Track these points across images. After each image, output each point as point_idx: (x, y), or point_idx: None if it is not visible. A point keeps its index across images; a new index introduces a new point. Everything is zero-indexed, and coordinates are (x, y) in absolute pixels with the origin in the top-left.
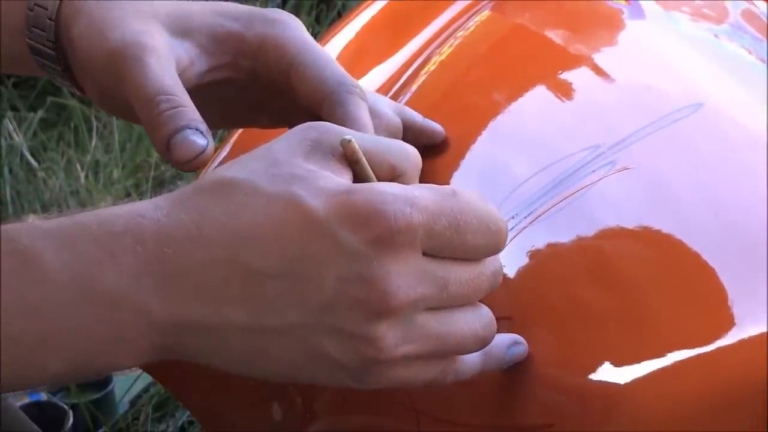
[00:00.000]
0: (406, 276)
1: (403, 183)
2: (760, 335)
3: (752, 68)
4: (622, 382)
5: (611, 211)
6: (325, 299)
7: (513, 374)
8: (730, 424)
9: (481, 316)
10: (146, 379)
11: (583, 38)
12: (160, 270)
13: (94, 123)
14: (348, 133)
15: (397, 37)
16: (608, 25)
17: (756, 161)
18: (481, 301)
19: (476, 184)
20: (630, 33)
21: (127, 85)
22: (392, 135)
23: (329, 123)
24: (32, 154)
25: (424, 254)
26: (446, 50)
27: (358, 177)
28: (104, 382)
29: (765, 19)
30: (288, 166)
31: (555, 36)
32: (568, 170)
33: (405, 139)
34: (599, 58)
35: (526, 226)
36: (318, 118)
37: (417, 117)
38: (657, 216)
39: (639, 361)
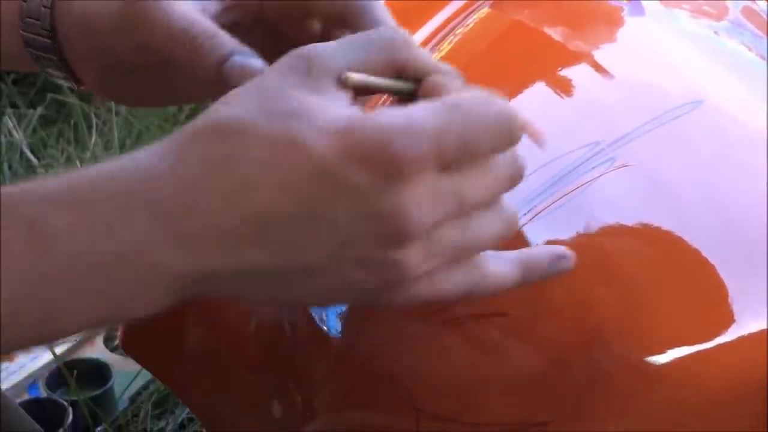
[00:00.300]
0: (420, 202)
1: (409, 70)
2: (760, 332)
3: (752, 65)
4: (620, 380)
5: (611, 208)
6: (343, 237)
7: (510, 372)
8: (729, 421)
9: (502, 215)
10: (146, 375)
11: (582, 35)
12: (171, 224)
13: (94, 120)
14: (338, 59)
15: None
16: (608, 22)
17: (756, 158)
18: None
19: None
20: (630, 30)
21: (150, 28)
22: None
23: (317, 46)
24: (32, 151)
25: (438, 170)
26: (445, 47)
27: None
28: (104, 378)
29: (765, 16)
30: (283, 99)
31: (554, 33)
32: (568, 167)
33: None
34: (599, 55)
35: (526, 223)
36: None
37: None
38: (656, 213)
39: (638, 360)
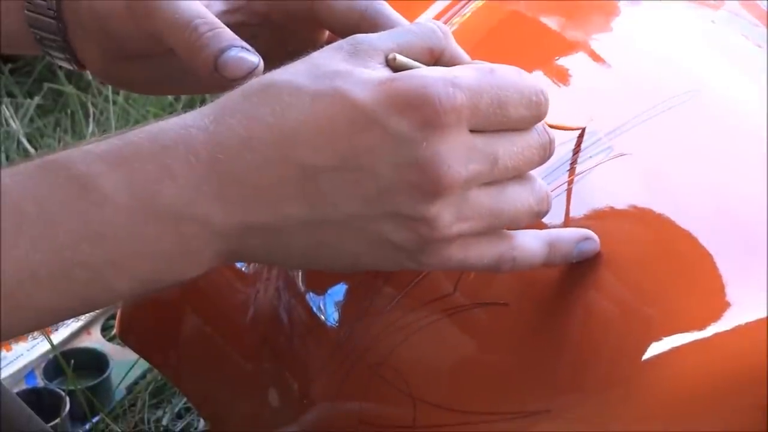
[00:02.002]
0: (456, 155)
1: (445, 59)
2: (759, 321)
3: (749, 54)
4: (617, 369)
5: (608, 197)
6: (380, 187)
7: (508, 360)
8: (729, 412)
9: (535, 190)
10: (143, 365)
11: (579, 24)
12: (216, 178)
13: (91, 109)
14: (383, 42)
15: None
16: (604, 11)
17: (753, 146)
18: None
19: None
20: (626, 19)
21: (156, 18)
22: None
23: (362, 34)
24: (29, 141)
25: (471, 132)
26: None
27: None
28: (101, 368)
29: (762, 5)
30: (329, 66)
31: (551, 22)
32: (566, 156)
33: None
34: (595, 44)
35: None
36: None
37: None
38: (654, 202)
39: (635, 347)
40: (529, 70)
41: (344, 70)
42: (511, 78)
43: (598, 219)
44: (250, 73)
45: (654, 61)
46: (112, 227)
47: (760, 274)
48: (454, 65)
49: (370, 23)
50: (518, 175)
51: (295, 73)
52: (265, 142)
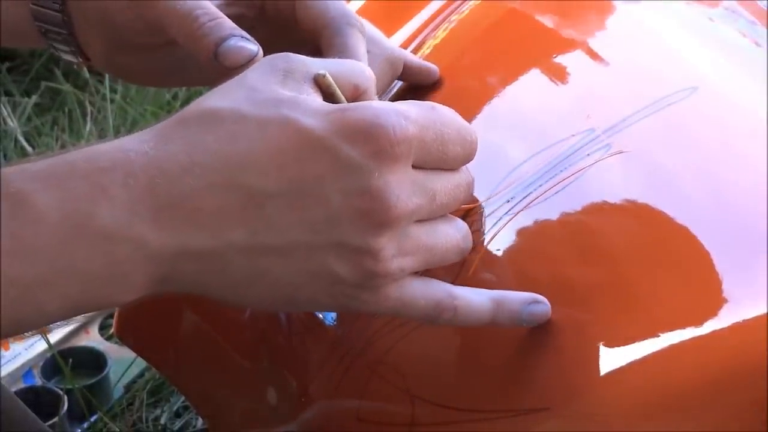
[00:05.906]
0: (403, 187)
1: (364, 99)
2: (759, 318)
3: (747, 51)
4: (615, 365)
5: (607, 195)
6: (328, 214)
7: (507, 357)
8: (728, 407)
9: (459, 228)
10: (141, 364)
11: (577, 22)
12: (153, 201)
13: (89, 108)
14: (316, 66)
15: (392, 21)
16: (602, 9)
17: (751, 143)
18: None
19: (472, 167)
20: (624, 16)
21: (158, 8)
22: (392, 66)
23: (294, 54)
24: (26, 140)
25: (413, 166)
26: (440, 34)
27: (331, 102)
28: (99, 367)
29: (761, 4)
30: (268, 92)
31: (549, 20)
32: (563, 154)
33: (401, 78)
34: (593, 42)
35: (522, 210)
36: (318, 51)
37: (413, 57)
38: (653, 199)
39: (632, 343)
40: (528, 67)
41: (286, 97)
42: (450, 116)
43: (595, 216)
44: (250, 61)
45: (652, 59)
46: (43, 245)
47: (759, 271)
48: None
49: (329, 39)
50: (447, 212)
51: (235, 100)
52: (209, 168)
